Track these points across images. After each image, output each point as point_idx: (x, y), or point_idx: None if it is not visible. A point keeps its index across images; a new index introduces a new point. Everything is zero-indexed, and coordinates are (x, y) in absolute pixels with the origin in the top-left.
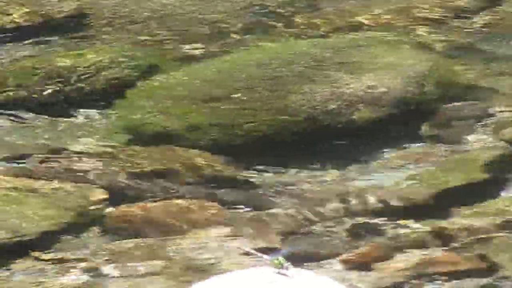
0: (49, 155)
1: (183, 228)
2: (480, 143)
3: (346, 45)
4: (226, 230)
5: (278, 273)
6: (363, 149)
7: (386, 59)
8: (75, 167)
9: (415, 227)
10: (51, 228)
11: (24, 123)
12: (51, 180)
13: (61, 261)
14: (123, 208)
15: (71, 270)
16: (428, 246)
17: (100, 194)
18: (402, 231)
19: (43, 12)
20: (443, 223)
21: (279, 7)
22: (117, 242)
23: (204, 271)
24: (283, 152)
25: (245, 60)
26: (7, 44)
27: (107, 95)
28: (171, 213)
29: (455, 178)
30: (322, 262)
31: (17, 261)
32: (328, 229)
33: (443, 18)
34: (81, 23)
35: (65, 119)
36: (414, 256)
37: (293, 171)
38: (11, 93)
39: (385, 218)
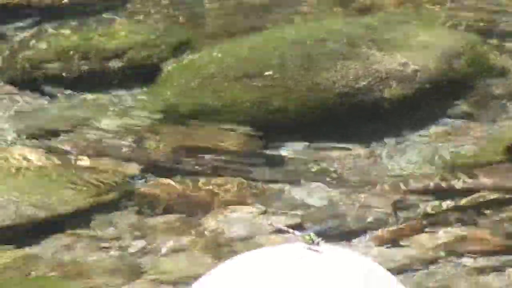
0: (82, 132)
1: (214, 204)
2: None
3: (378, 23)
4: (257, 206)
5: (309, 249)
6: (394, 127)
7: (419, 37)
8: (107, 145)
9: (447, 205)
10: (83, 205)
11: (58, 100)
12: (83, 157)
13: (93, 238)
14: (155, 184)
15: (103, 247)
16: (460, 224)
17: (132, 170)
18: (434, 209)
19: None
20: (474, 202)
21: None
22: (149, 218)
23: (234, 248)
24: (314, 129)
25: (277, 37)
26: (44, 22)
27: (140, 73)
28: (203, 190)
29: (488, 156)
30: (353, 238)
31: (50, 238)
32: (359, 206)
33: None
34: (114, 1)
35: (98, 97)
36: (446, 233)
37: (325, 148)
38: (46, 70)
39: (417, 196)
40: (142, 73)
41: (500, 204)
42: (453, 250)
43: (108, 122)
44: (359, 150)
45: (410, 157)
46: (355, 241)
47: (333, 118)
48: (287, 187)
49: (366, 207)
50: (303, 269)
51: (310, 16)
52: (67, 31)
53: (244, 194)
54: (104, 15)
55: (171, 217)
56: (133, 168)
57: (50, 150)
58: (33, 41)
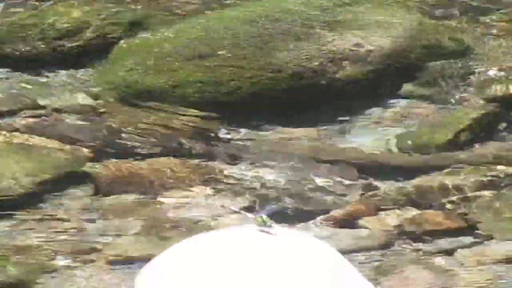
0: (32, 112)
1: (167, 186)
2: (464, 102)
3: (332, 3)
4: (210, 188)
5: (262, 231)
6: (347, 107)
7: (373, 17)
8: (59, 124)
9: (398, 186)
10: (35, 185)
11: (8, 79)
12: (35, 137)
13: (44, 219)
14: (106, 165)
15: (55, 228)
16: (410, 205)
17: (84, 152)
18: (385, 189)
19: None
20: (426, 182)
21: None
22: (101, 199)
23: (187, 228)
24: (267, 109)
25: (231, 17)
26: None
27: (91, 52)
28: (155, 171)
29: (440, 136)
30: (306, 219)
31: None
32: (310, 187)
33: None
34: None
35: (49, 77)
36: (396, 214)
37: (278, 128)
38: None
39: (368, 177)
40: (95, 53)
41: (451, 187)
42: (405, 232)
43: (59, 102)
44: (311, 130)
45: (362, 137)
46: (307, 222)
47: (286, 98)
48: (239, 168)
49: (318, 188)
50: (257, 253)
51: None
52: (20, 10)
53: (197, 175)
54: None
55: (123, 197)
56: (85, 149)
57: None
58: None
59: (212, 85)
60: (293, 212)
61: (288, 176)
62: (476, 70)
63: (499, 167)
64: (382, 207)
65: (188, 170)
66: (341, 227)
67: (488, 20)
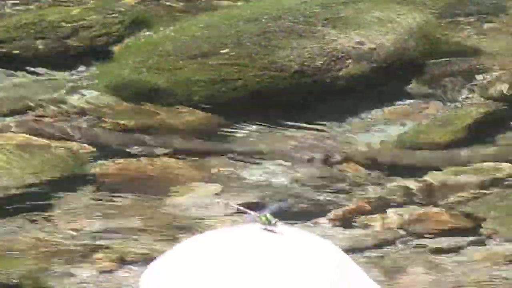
0: (35, 111)
1: (171, 184)
2: (468, 101)
3: (334, 1)
4: (213, 186)
5: (265, 229)
6: (350, 106)
7: (375, 15)
8: (62, 124)
9: (402, 184)
10: (38, 185)
11: (10, 78)
12: (38, 137)
13: (48, 218)
14: (110, 164)
15: (59, 228)
16: (415, 203)
17: (87, 150)
18: (388, 188)
19: None
20: (429, 181)
21: None
22: (102, 199)
23: (190, 228)
24: (270, 107)
25: (234, 15)
26: None
27: (93, 51)
28: (159, 170)
29: (444, 134)
30: (309, 218)
31: (3, 218)
32: (314, 185)
33: None
34: None
35: (50, 76)
36: (400, 213)
37: (281, 127)
38: (0, 50)
39: (371, 175)
40: (98, 51)
41: (456, 185)
42: (408, 230)
43: (62, 101)
44: (314, 128)
45: (365, 135)
46: (311, 220)
47: (289, 97)
48: (243, 166)
49: (322, 186)
50: (262, 252)
51: None
52: (21, 9)
53: (201, 174)
54: None
55: (127, 197)
56: (88, 148)
57: (1, 130)
58: None
59: (215, 83)
60: (297, 210)
61: (292, 174)
62: (480, 69)
63: (503, 165)
64: (385, 205)
65: (192, 168)
66: (345, 225)
67: (493, 18)
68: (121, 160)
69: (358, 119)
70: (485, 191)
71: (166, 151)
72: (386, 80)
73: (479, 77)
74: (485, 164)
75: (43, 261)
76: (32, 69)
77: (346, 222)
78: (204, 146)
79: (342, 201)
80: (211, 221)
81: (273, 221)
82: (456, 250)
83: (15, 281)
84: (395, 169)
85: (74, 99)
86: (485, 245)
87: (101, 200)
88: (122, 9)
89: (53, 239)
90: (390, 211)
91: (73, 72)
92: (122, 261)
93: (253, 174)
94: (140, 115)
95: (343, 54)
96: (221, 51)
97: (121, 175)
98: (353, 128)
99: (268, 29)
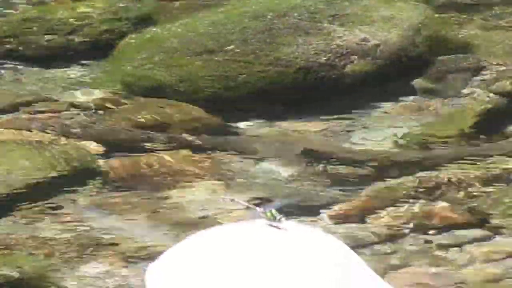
0: (42, 107)
1: (175, 180)
2: (472, 96)
3: None
4: (219, 182)
5: (271, 225)
6: (355, 102)
7: (380, 12)
8: (68, 120)
9: (406, 180)
10: (46, 180)
11: (17, 74)
12: (44, 132)
13: (54, 213)
14: (115, 160)
15: (64, 223)
16: (420, 199)
17: (92, 146)
18: (393, 184)
19: None
20: (435, 177)
21: None
22: (110, 194)
23: (197, 223)
24: (275, 104)
25: (239, 12)
26: None
27: (100, 47)
28: (164, 165)
29: (448, 130)
30: (314, 214)
31: (10, 212)
32: (319, 182)
33: None
34: None
35: (58, 71)
36: (405, 209)
37: (286, 123)
38: (5, 45)
39: (376, 171)
40: (102, 47)
41: (460, 181)
42: (414, 226)
43: (69, 97)
44: (319, 125)
45: (370, 132)
46: (316, 216)
47: (294, 93)
48: (248, 162)
49: (327, 183)
50: (266, 248)
51: None
52: (27, 5)
53: (206, 169)
54: None
55: (134, 193)
56: (94, 144)
57: (9, 125)
58: None
59: (221, 80)
60: (302, 206)
61: (297, 170)
62: (484, 64)
63: (508, 160)
64: (391, 201)
65: (197, 164)
66: (350, 221)
67: (497, 13)
68: (129, 156)
69: (363, 115)
70: (491, 186)
71: (172, 147)
72: (391, 76)
73: (484, 73)
74: (492, 159)
75: (49, 257)
76: (36, 64)
77: (352, 217)
78: (210, 142)
79: (346, 197)
80: (217, 217)
81: (278, 217)
82: (461, 245)
83: (22, 277)
84: (400, 165)
85: (81, 94)
86: (491, 240)
87: (108, 195)
88: (128, 6)
89: (59, 236)
90: (395, 207)
91: (78, 67)
92: (128, 257)
93: (259, 170)
94: (146, 111)
95: (348, 51)
96: (227, 48)
97: (127, 171)
98: (358, 124)
99: (273, 26)
